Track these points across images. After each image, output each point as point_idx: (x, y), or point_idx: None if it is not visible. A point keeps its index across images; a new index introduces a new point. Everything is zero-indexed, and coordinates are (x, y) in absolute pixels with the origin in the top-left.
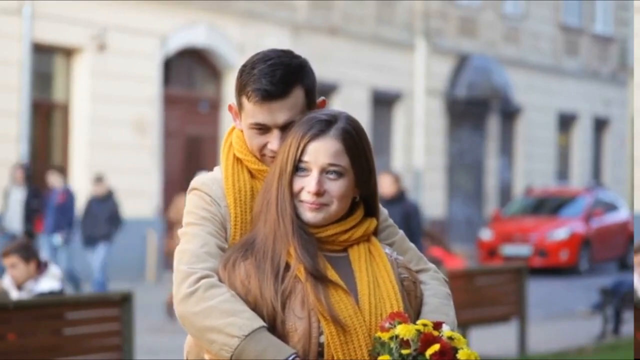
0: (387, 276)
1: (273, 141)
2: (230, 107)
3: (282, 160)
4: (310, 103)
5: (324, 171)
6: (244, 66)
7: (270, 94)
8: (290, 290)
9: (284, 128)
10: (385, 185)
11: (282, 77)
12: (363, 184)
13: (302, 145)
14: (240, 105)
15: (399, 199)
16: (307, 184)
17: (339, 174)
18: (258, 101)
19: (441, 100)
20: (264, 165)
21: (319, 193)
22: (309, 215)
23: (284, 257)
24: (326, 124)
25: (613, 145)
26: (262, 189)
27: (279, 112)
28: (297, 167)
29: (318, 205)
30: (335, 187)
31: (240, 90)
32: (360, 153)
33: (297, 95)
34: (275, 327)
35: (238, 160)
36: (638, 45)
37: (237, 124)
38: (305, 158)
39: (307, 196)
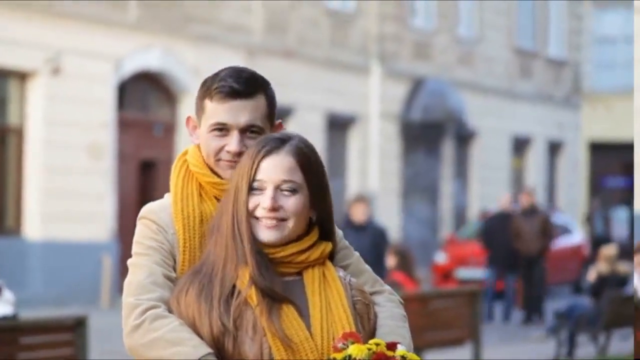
0: (340, 300)
1: (231, 142)
2: (188, 120)
3: (237, 179)
4: (271, 117)
5: (278, 187)
6: (209, 76)
7: (235, 91)
8: (240, 316)
9: (244, 131)
10: (359, 213)
11: (248, 78)
12: (318, 204)
13: (256, 162)
14: (202, 110)
15: (368, 224)
16: (262, 201)
17: (293, 190)
18: (222, 97)
19: (396, 124)
20: (218, 178)
21: (273, 209)
22: (265, 233)
23: (232, 280)
24: (280, 142)
25: (567, 169)
26: (216, 212)
27: (242, 112)
28: (252, 186)
29: (275, 223)
30: (291, 202)
31: (204, 94)
32: (313, 170)
33: (261, 101)
34: (223, 354)
35: (188, 182)
36: (638, 48)
37: (194, 139)
38: (259, 176)
39: (262, 212)
